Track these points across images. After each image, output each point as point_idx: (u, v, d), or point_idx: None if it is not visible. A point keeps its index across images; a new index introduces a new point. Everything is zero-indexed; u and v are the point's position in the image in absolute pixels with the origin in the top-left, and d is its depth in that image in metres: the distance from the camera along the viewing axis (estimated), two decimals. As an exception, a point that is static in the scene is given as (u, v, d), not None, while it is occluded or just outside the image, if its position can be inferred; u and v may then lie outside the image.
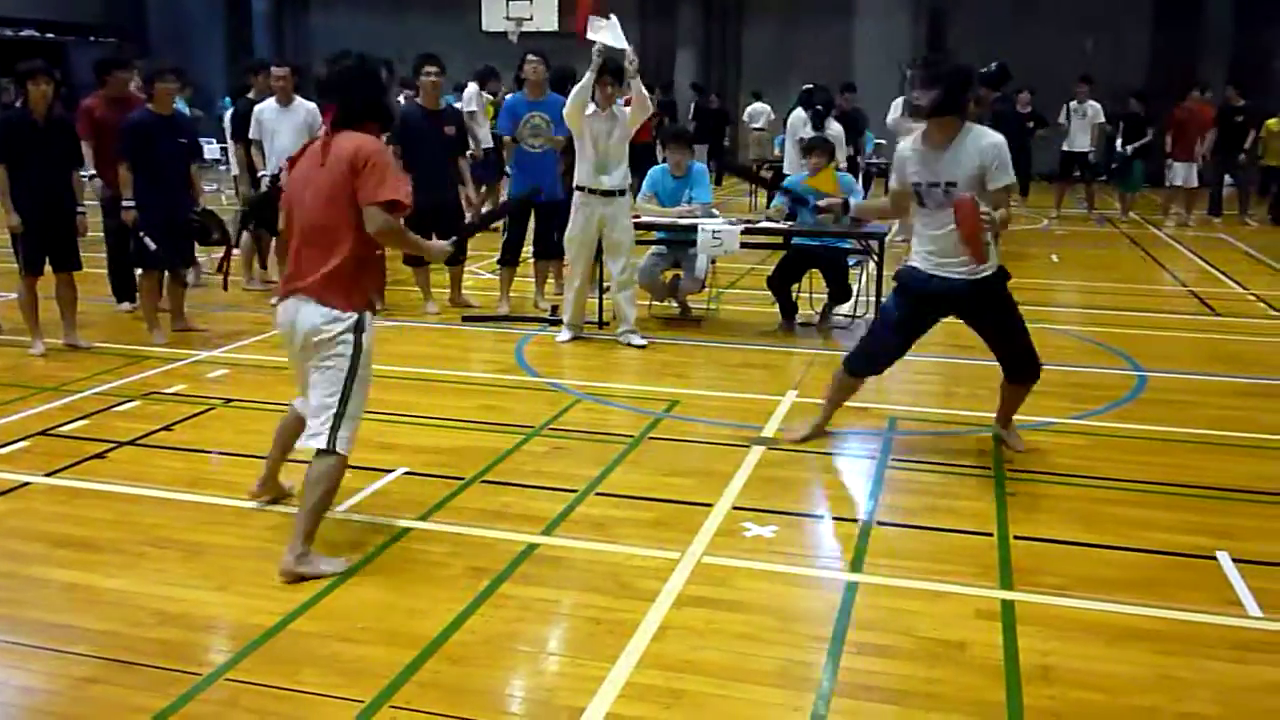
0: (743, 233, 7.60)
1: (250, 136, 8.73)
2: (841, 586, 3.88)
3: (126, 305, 8.47)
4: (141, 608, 3.69)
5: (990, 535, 4.34)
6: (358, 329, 3.98)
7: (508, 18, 22.69)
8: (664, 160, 8.80)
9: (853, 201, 6.14)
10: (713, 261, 8.31)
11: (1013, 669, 3.33)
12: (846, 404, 6.15)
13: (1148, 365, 7.04)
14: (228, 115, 10.03)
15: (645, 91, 7.40)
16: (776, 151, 16.00)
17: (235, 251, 7.74)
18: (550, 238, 8.66)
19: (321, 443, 3.96)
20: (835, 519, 4.57)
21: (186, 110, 11.21)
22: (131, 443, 5.40)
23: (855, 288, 8.27)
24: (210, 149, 14.20)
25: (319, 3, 26.18)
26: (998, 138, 4.82)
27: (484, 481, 4.90)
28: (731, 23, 24.35)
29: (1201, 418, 5.92)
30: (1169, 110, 15.18)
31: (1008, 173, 4.81)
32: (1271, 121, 15.20)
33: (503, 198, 13.59)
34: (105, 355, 7.11)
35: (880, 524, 4.46)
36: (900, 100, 13.32)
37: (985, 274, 4.98)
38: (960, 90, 4.79)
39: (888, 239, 8.94)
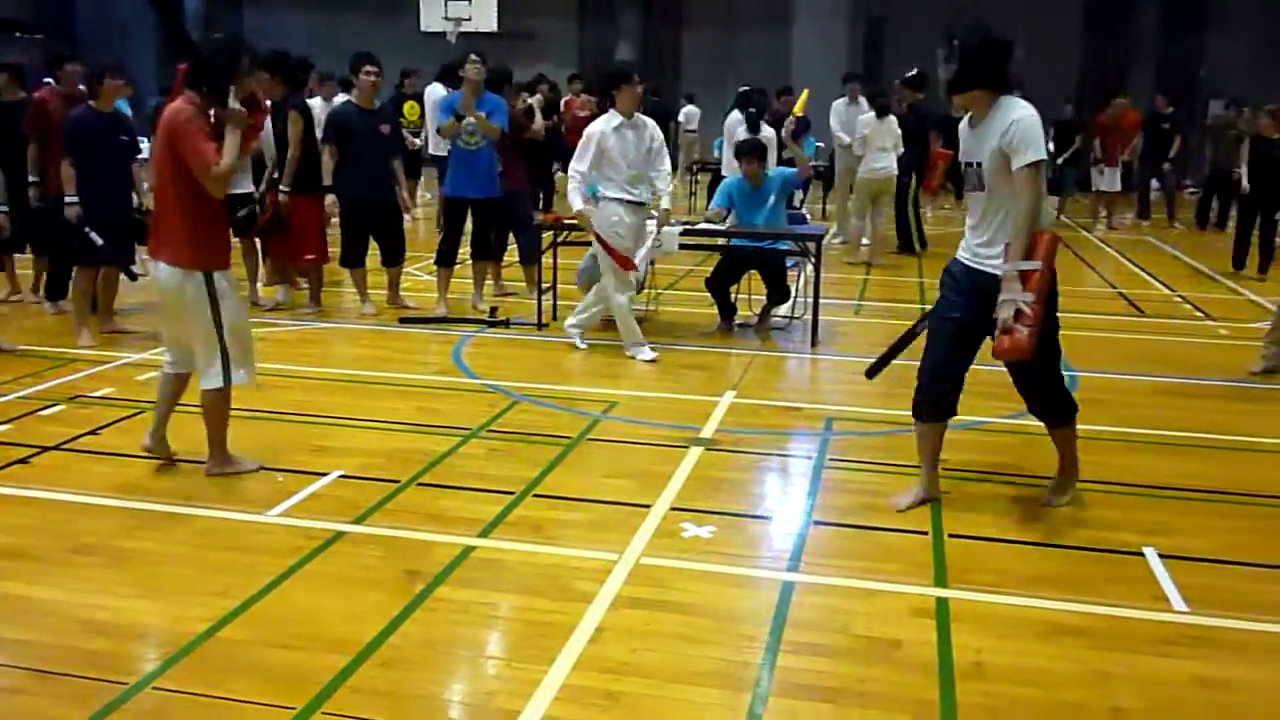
0: (681, 234, 7.61)
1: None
2: (778, 586, 3.89)
3: (59, 304, 8.16)
4: (65, 616, 3.59)
5: (925, 534, 4.39)
6: (208, 282, 4.60)
7: (446, 18, 22.55)
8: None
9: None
10: (651, 263, 8.31)
11: (946, 666, 3.36)
12: (784, 404, 6.20)
13: (1078, 365, 7.15)
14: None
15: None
16: (716, 154, 16.06)
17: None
18: (487, 238, 8.62)
19: (219, 383, 4.73)
20: (772, 519, 4.59)
21: (128, 109, 10.97)
22: (56, 447, 5.27)
23: (793, 289, 8.32)
24: (145, 147, 13.92)
25: (252, 2, 25.81)
26: (1024, 111, 4.17)
27: (420, 484, 4.85)
28: (670, 26, 24.44)
29: (1130, 417, 6.03)
30: (1095, 116, 15.50)
31: (1032, 149, 4.11)
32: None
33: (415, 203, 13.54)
34: (30, 358, 6.94)
35: (817, 524, 4.49)
36: (840, 101, 13.46)
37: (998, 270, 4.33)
38: (983, 61, 4.24)
39: (825, 240, 9.02)
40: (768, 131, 10.33)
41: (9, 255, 8.73)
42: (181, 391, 4.96)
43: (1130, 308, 9.51)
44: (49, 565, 3.99)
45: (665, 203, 7.33)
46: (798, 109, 9.49)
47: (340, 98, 9.72)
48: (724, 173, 11.90)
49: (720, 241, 8.12)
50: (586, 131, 7.26)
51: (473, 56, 8.40)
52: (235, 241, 8.66)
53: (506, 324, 8.16)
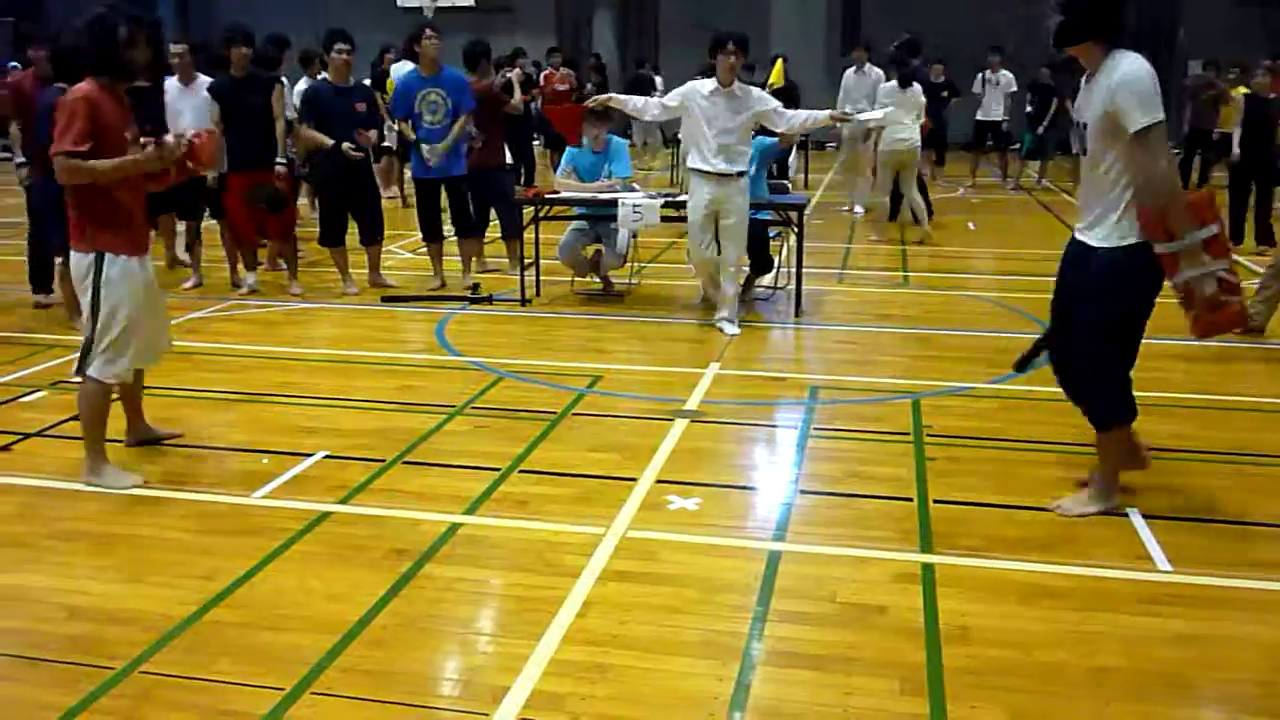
0: (663, 206, 7.58)
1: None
2: (765, 556, 3.90)
3: (42, 297, 7.99)
4: (49, 603, 3.58)
5: (910, 500, 4.41)
6: (96, 266, 4.42)
7: (423, -8, 22.39)
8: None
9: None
10: (634, 236, 8.29)
11: (932, 630, 3.38)
12: (769, 375, 6.20)
13: (1061, 329, 7.17)
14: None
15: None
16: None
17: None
18: (465, 215, 8.57)
19: (75, 369, 4.58)
20: (758, 489, 4.60)
21: None
22: (38, 434, 5.24)
23: (776, 259, 8.31)
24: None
25: (228, -21, 25.51)
26: (1134, 67, 3.74)
27: (405, 463, 4.84)
28: (650, -9, 24.28)
29: (1113, 379, 6.04)
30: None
31: (1145, 111, 3.69)
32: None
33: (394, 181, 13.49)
34: (10, 345, 6.89)
35: (803, 492, 4.50)
36: (849, 71, 13.36)
37: (1102, 243, 3.94)
38: (1088, 7, 3.82)
39: (807, 211, 9.01)
40: None
41: None
42: (137, 383, 4.90)
43: (1112, 270, 9.52)
44: (33, 551, 3.98)
45: (821, 115, 7.22)
46: (775, 78, 9.46)
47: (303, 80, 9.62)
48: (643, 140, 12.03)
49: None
50: (681, 88, 7.20)
51: (428, 31, 8.33)
52: (213, 224, 8.66)
53: (489, 300, 8.14)
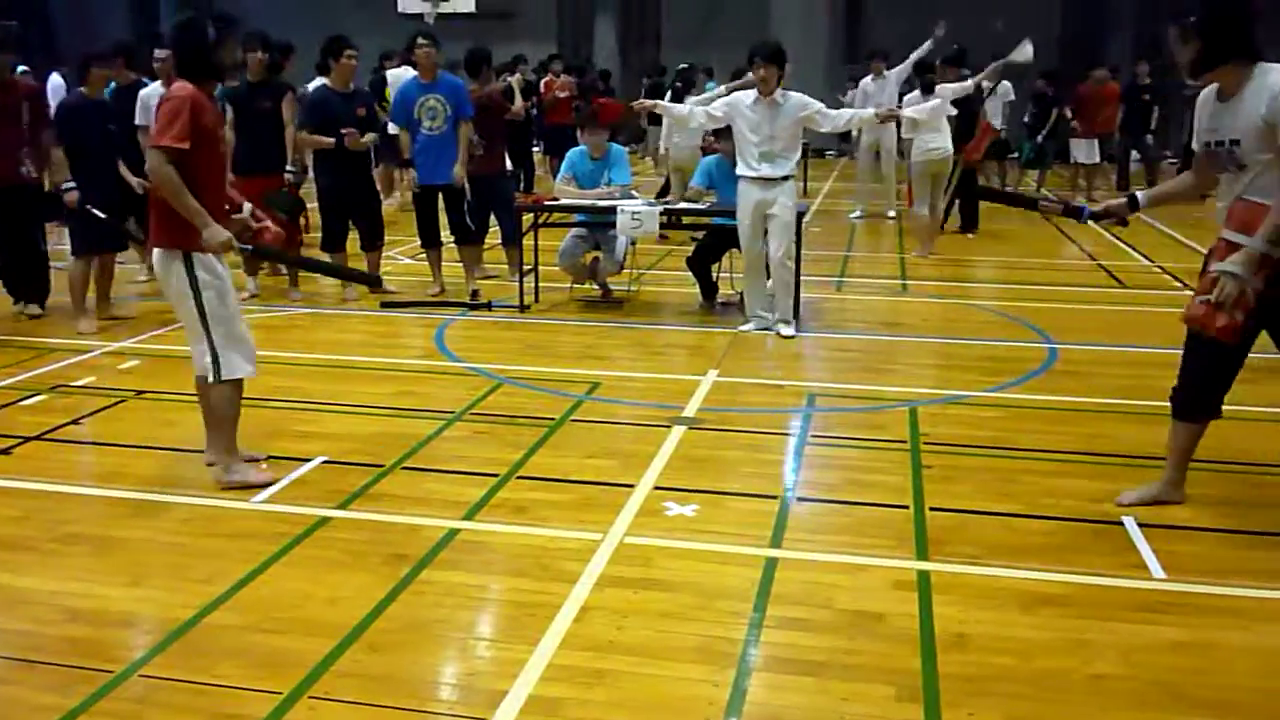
0: (662, 213, 7.61)
1: (138, 122, 8.14)
2: (762, 563, 3.92)
3: (20, 307, 7.78)
4: (50, 605, 3.59)
5: (907, 508, 4.42)
6: (188, 266, 4.38)
7: (424, -1, 22.44)
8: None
9: (1140, 196, 4.49)
10: (632, 243, 8.32)
11: (929, 637, 3.40)
12: (767, 382, 6.22)
13: (1058, 338, 7.20)
14: (141, 95, 9.66)
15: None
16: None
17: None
18: (462, 223, 8.57)
19: (209, 375, 4.48)
20: (755, 496, 4.61)
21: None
22: (38, 437, 5.25)
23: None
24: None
25: (229, -16, 25.55)
26: None
27: (404, 468, 4.85)
28: (650, -1, 24.32)
29: (1109, 387, 6.07)
30: (1074, 89, 15.52)
31: None
32: None
33: (396, 187, 13.51)
34: (10, 348, 6.90)
35: (800, 500, 4.52)
36: (866, 79, 13.39)
37: None
38: (1231, 32, 3.85)
39: (807, 218, 9.04)
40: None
41: None
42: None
43: (1110, 279, 9.56)
44: (33, 555, 3.99)
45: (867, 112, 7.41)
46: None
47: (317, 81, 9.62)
48: (663, 146, 12.25)
49: (701, 220, 8.12)
50: (727, 99, 7.37)
51: (420, 39, 8.36)
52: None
53: (489, 306, 8.16)
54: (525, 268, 8.27)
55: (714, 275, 8.24)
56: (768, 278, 7.35)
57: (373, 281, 7.61)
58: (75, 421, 5.51)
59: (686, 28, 23.46)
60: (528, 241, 8.15)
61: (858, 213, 13.35)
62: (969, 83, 11.00)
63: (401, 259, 10.32)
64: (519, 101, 10.11)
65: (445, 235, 8.69)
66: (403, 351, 7.04)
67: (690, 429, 5.37)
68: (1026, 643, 3.37)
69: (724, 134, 7.94)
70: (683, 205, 7.97)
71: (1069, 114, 15.29)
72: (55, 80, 15.16)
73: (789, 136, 7.09)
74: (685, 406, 5.72)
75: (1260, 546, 4.08)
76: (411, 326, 7.70)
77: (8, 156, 7.20)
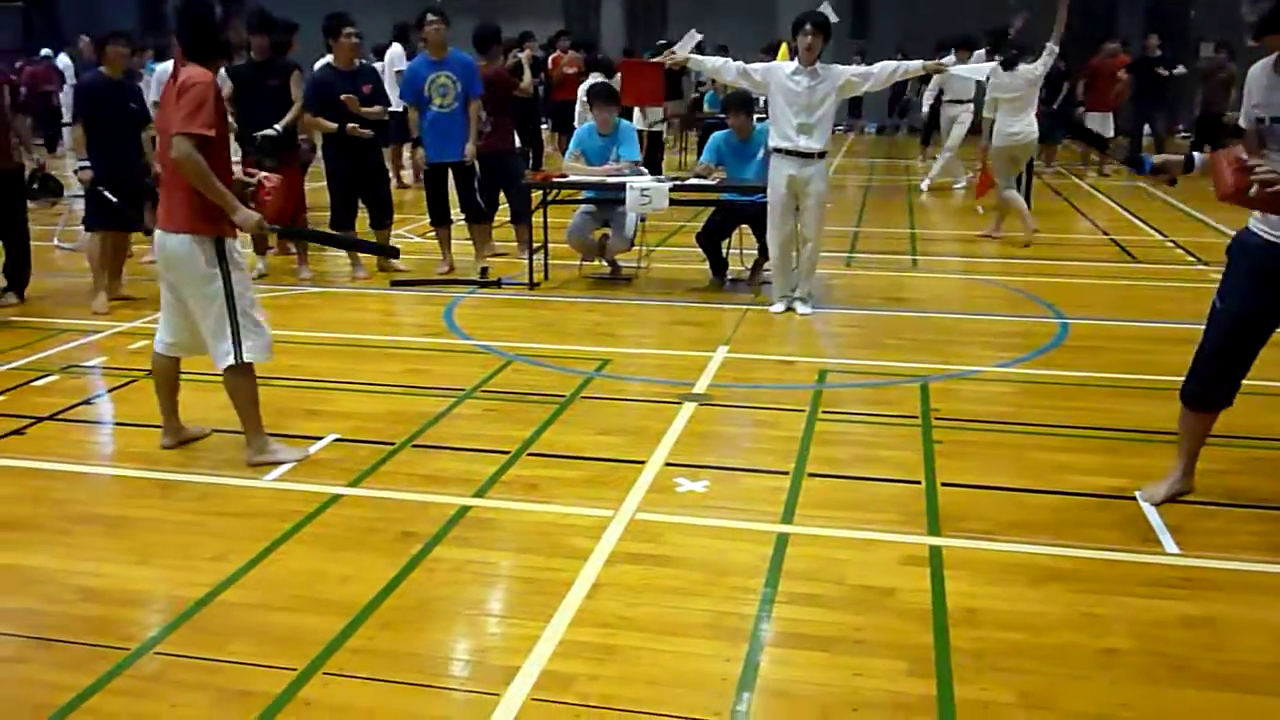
0: (671, 190, 7.58)
1: (154, 99, 8.21)
2: (773, 538, 3.92)
3: (8, 297, 7.68)
4: (64, 585, 3.61)
5: (918, 483, 4.42)
6: (219, 252, 4.38)
7: (430, -25, 22.29)
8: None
9: (1197, 158, 4.05)
10: (642, 219, 8.30)
11: (940, 612, 3.40)
12: (777, 358, 6.21)
13: (1070, 313, 7.17)
14: (152, 79, 9.66)
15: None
16: (707, 107, 15.95)
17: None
18: (473, 200, 8.55)
19: (231, 360, 4.45)
20: (766, 472, 4.60)
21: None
22: (50, 418, 5.27)
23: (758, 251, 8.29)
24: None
25: (233, -37, 25.43)
26: None
27: (415, 446, 4.86)
28: (654, -25, 24.19)
29: (1121, 363, 6.05)
30: (1086, 61, 15.40)
31: None
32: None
33: (405, 163, 13.48)
34: (21, 329, 6.93)
35: (811, 475, 4.51)
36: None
37: None
38: None
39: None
40: None
41: None
42: (176, 374, 4.77)
43: (1122, 254, 9.51)
44: (47, 534, 4.01)
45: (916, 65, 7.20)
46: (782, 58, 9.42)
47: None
48: (635, 124, 12.26)
49: (710, 196, 8.10)
50: (765, 65, 7.27)
51: (430, 16, 8.32)
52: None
53: (499, 284, 8.15)
54: (534, 245, 8.26)
55: (724, 251, 8.21)
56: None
57: (390, 253, 7.59)
58: (86, 402, 5.53)
59: (692, 4, 23.32)
60: (537, 219, 8.13)
61: (959, 184, 13.72)
62: (1046, 59, 10.82)
63: (411, 237, 10.31)
64: (528, 78, 10.04)
65: (455, 214, 8.68)
66: (412, 330, 7.04)
67: (701, 405, 5.37)
68: (1038, 617, 3.37)
69: (735, 107, 7.90)
70: (692, 181, 7.93)
71: (1081, 87, 15.17)
72: (63, 60, 15.17)
73: (830, 108, 7.01)
74: (696, 383, 5.71)
75: (1272, 521, 4.06)
76: (421, 305, 7.70)
77: None
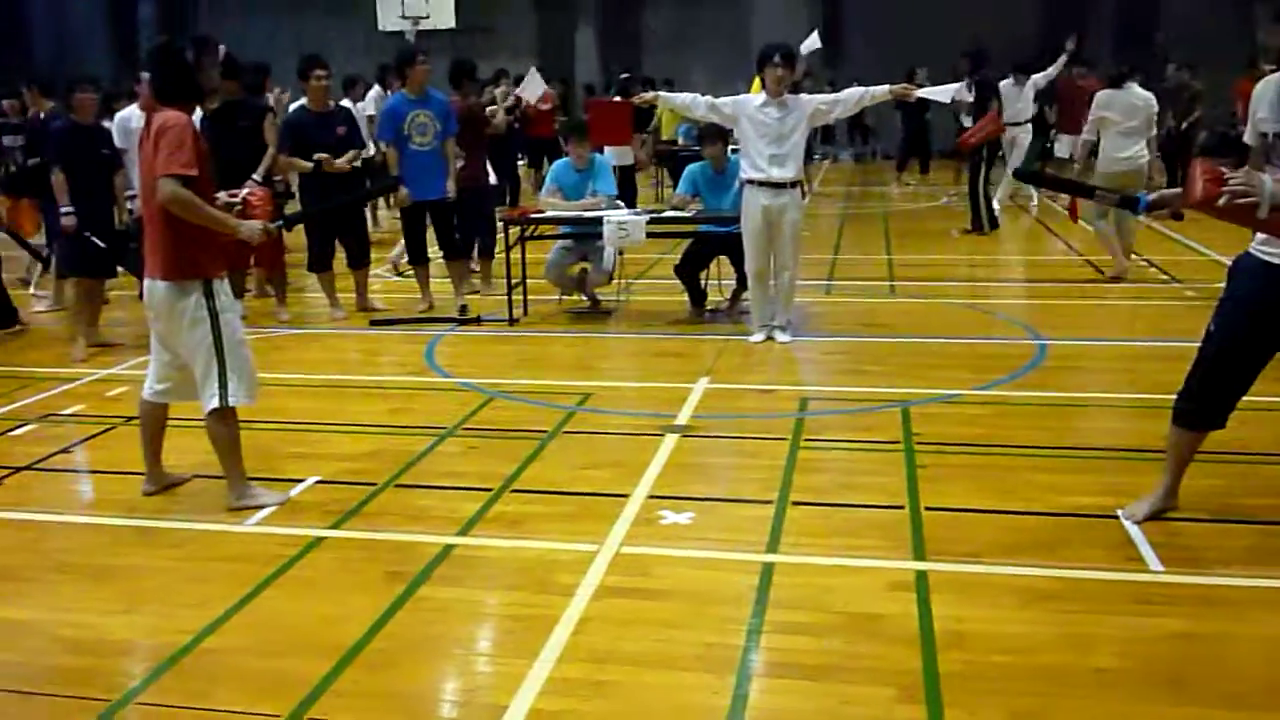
0: (649, 222, 7.61)
1: (118, 145, 8.07)
2: (759, 568, 3.91)
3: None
4: (46, 635, 3.58)
5: (902, 508, 4.42)
6: (207, 294, 4.35)
7: (403, 16, 22.41)
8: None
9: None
10: (620, 253, 8.32)
11: (928, 637, 3.39)
12: (758, 387, 6.22)
13: (1047, 334, 7.21)
14: (118, 118, 9.64)
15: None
16: (681, 140, 16.04)
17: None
18: (450, 236, 8.56)
19: (216, 403, 4.43)
20: (750, 501, 4.60)
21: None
22: (29, 467, 5.23)
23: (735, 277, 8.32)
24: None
25: (210, 7, 25.54)
26: None
27: (398, 485, 4.84)
28: (630, 9, 24.36)
29: (1099, 382, 6.09)
30: (1054, 85, 15.58)
31: None
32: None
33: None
34: (-2, 379, 6.88)
35: (795, 504, 4.51)
36: (1006, 82, 13.53)
37: None
38: None
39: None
40: None
41: None
42: (164, 422, 4.74)
43: (1096, 273, 9.58)
44: (27, 585, 3.97)
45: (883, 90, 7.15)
46: (756, 89, 9.50)
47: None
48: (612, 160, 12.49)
49: (688, 228, 8.13)
50: (734, 98, 7.29)
51: (421, 56, 8.39)
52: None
53: (478, 321, 8.15)
54: (513, 281, 8.26)
55: (702, 282, 8.24)
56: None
57: (391, 187, 7.39)
58: (65, 450, 5.49)
59: (666, 37, 23.55)
60: (515, 255, 8.14)
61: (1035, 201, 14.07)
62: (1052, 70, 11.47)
63: (389, 276, 10.30)
64: (501, 115, 10.09)
65: (434, 251, 8.69)
66: (393, 369, 7.02)
67: (683, 437, 5.37)
68: (1026, 639, 3.37)
69: (710, 138, 7.95)
70: (669, 214, 7.96)
71: (1051, 109, 15.35)
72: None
73: (800, 137, 7.08)
74: (678, 414, 5.71)
75: (1255, 536, 4.08)
76: (401, 343, 7.69)
77: None
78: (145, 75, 8.20)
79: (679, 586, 3.78)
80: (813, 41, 11.37)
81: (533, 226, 8.12)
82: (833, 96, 7.19)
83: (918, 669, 3.22)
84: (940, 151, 18.77)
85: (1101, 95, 8.92)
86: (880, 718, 2.99)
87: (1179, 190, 3.92)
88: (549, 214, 8.04)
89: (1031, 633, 3.40)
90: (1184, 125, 14.75)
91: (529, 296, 8.36)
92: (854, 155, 23.15)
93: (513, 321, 8.06)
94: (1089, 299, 8.48)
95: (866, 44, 21.03)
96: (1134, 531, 4.09)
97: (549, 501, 4.61)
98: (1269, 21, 3.74)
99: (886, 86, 7.19)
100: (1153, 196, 4.12)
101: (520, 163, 14.65)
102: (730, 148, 8.30)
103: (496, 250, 8.82)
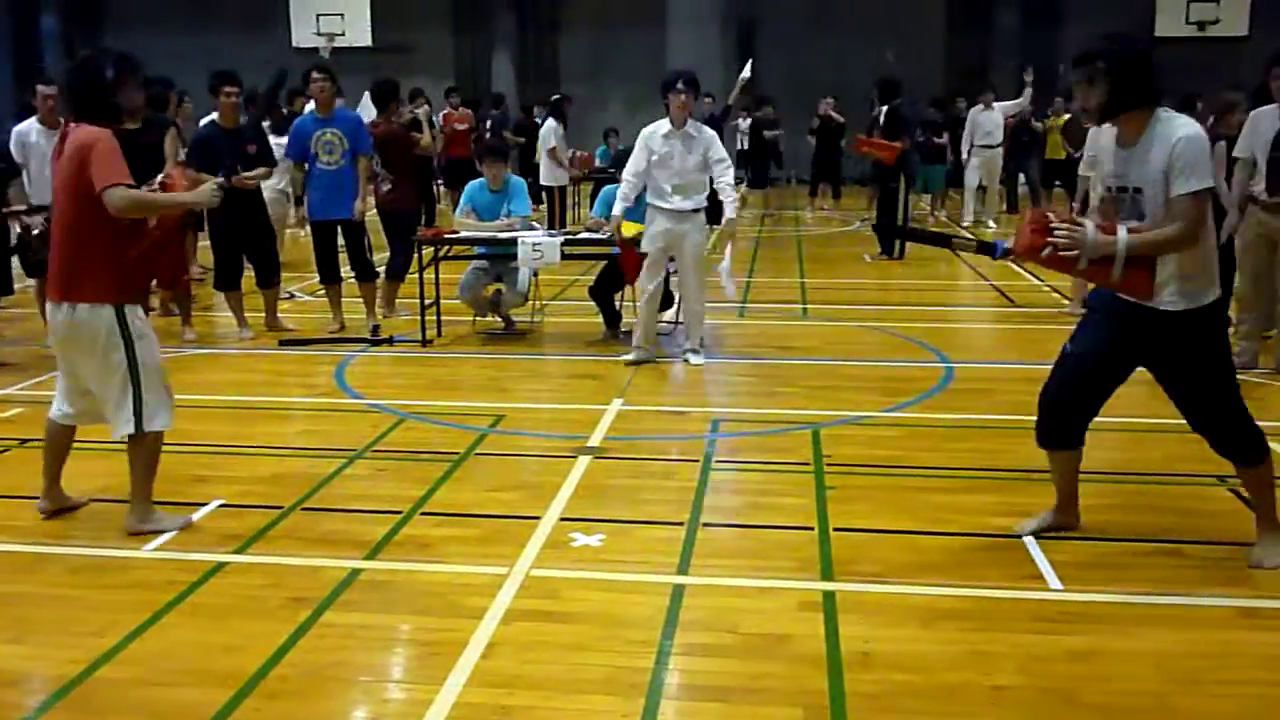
0: (563, 244, 7.61)
1: (15, 159, 7.81)
2: (669, 590, 3.91)
3: None
4: (-72, 668, 3.43)
5: (811, 529, 4.46)
6: (120, 320, 4.23)
7: (318, 33, 22.19)
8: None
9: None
10: (535, 274, 8.30)
11: (834, 657, 3.42)
12: (671, 409, 6.24)
13: (954, 357, 7.37)
14: (16, 131, 9.36)
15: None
16: (598, 161, 16.10)
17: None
18: (362, 257, 8.44)
19: (131, 429, 4.30)
20: (661, 523, 4.60)
21: None
22: (-86, 492, 5.03)
23: (676, 295, 8.37)
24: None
25: (114, 21, 24.96)
26: (1191, 129, 3.72)
27: (304, 509, 4.75)
28: (546, 32, 24.41)
29: (1004, 404, 6.23)
30: (963, 115, 16.00)
31: (1197, 176, 3.67)
32: (1054, 119, 16.20)
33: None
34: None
35: (705, 525, 4.53)
36: (975, 109, 14.54)
37: (1169, 308, 3.81)
38: (1140, 76, 3.76)
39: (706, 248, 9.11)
40: None
41: None
42: (69, 444, 4.61)
43: (1002, 298, 9.82)
44: (-91, 616, 3.81)
45: (730, 212, 7.16)
46: None
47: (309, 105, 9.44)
48: (543, 180, 12.77)
49: (603, 250, 8.13)
50: (638, 140, 7.22)
51: (315, 74, 8.30)
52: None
53: (390, 342, 8.06)
54: (426, 302, 8.19)
55: (617, 304, 8.26)
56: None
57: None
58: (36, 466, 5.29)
59: (583, 62, 23.63)
60: (429, 275, 8.07)
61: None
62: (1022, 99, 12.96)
63: (301, 296, 10.14)
64: (428, 134, 10.05)
65: (345, 271, 8.57)
66: (302, 390, 6.90)
67: (596, 459, 5.36)
68: (929, 658, 3.42)
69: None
70: (584, 235, 7.97)
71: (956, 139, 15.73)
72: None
73: (700, 168, 7.12)
74: (590, 436, 5.71)
75: (1149, 554, 4.20)
76: (311, 364, 7.56)
77: None
78: (47, 88, 8.05)
79: (589, 609, 3.77)
80: (746, 71, 11.58)
81: (447, 247, 8.06)
82: (724, 173, 7.11)
83: (824, 689, 3.24)
84: (851, 179, 19.13)
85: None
86: (787, 738, 3.00)
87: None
88: (463, 234, 8.00)
89: (935, 651, 3.46)
90: (1079, 153, 15.43)
91: (442, 317, 8.30)
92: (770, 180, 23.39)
93: (426, 343, 7.98)
94: (994, 323, 8.69)
95: (780, 73, 21.36)
96: (1035, 552, 4.19)
97: (459, 524, 4.56)
98: (1083, 83, 3.82)
99: (733, 210, 7.21)
100: (1009, 244, 4.25)
101: (437, 183, 14.58)
102: None
103: (409, 271, 8.74)
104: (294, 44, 22.48)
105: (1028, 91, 15.20)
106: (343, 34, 22.32)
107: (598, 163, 16.04)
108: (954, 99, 17.20)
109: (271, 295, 8.49)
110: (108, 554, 4.29)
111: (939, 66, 21.68)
